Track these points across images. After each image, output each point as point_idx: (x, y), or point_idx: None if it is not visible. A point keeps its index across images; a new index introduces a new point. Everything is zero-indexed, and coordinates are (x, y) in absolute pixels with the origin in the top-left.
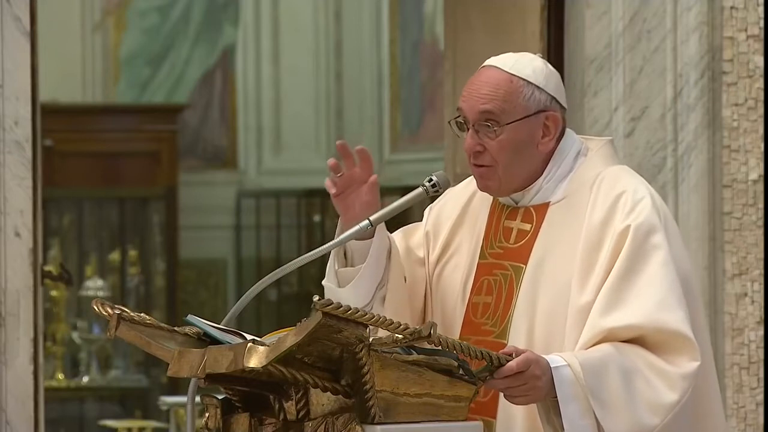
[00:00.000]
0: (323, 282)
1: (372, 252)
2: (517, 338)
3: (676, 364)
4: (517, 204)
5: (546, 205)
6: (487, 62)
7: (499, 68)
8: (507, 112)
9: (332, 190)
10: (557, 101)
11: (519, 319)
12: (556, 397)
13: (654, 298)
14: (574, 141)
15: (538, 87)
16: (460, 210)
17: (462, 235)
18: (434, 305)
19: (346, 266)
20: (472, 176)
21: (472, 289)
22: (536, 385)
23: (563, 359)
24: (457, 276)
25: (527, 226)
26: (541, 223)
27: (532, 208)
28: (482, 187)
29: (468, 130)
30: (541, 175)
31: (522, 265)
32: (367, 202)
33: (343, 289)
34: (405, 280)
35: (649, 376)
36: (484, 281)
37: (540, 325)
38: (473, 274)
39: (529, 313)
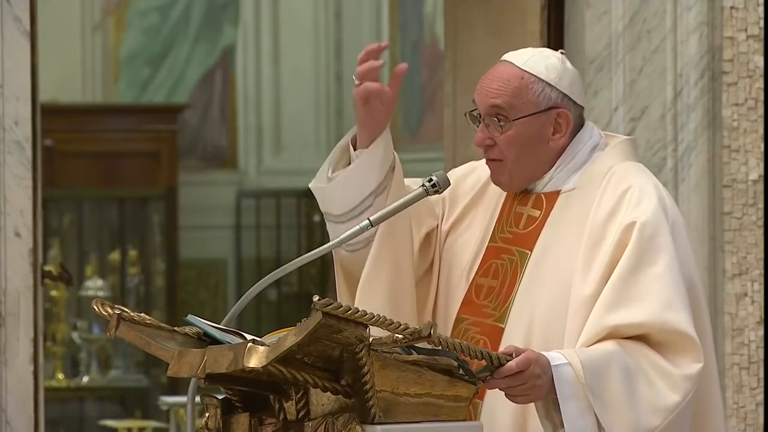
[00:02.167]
0: (310, 184)
1: (371, 149)
2: (516, 324)
3: (679, 365)
4: (530, 191)
5: (557, 193)
6: (504, 56)
7: (513, 63)
8: (516, 108)
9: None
10: (570, 99)
11: (519, 305)
12: (557, 395)
13: (659, 298)
14: (592, 135)
15: (550, 84)
16: (480, 186)
17: (477, 212)
18: (441, 275)
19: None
20: None
21: (478, 270)
22: (536, 384)
23: (564, 357)
24: (466, 253)
25: (536, 213)
26: (550, 211)
27: (543, 195)
28: (494, 181)
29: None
30: (552, 167)
31: (528, 252)
32: (383, 111)
33: (330, 184)
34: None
35: (652, 376)
36: (492, 264)
37: (540, 312)
38: (481, 256)
39: (529, 299)
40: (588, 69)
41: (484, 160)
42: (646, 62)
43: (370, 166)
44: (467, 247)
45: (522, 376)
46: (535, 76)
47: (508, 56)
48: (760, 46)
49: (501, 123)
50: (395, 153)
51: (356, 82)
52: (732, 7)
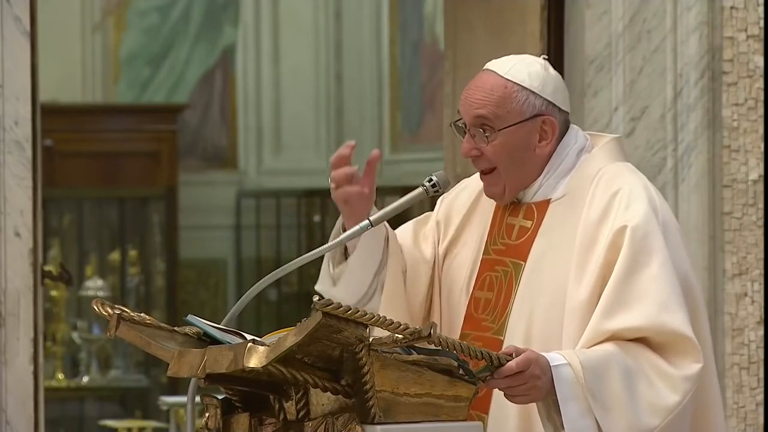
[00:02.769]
0: (316, 287)
1: (363, 241)
2: (513, 335)
3: (678, 366)
4: (519, 201)
5: (547, 202)
6: (487, 66)
7: (495, 73)
8: (501, 117)
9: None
10: (555, 105)
11: (516, 316)
12: (557, 396)
13: (656, 300)
14: (577, 138)
15: (533, 92)
16: (471, 203)
17: (471, 229)
18: (442, 297)
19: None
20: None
21: (475, 284)
22: (536, 384)
23: (564, 358)
24: (463, 270)
25: (528, 223)
26: (542, 221)
27: (533, 205)
28: (488, 193)
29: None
30: (541, 174)
31: (522, 262)
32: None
33: (336, 287)
34: (405, 271)
35: (651, 376)
36: (487, 277)
37: (537, 322)
38: (477, 269)
39: (526, 310)
40: (588, 69)
41: (474, 177)
42: (646, 62)
43: (367, 254)
44: (464, 263)
45: (522, 377)
46: (519, 84)
47: (491, 65)
48: (760, 46)
49: (486, 134)
50: (386, 224)
51: (332, 185)
52: (732, 7)
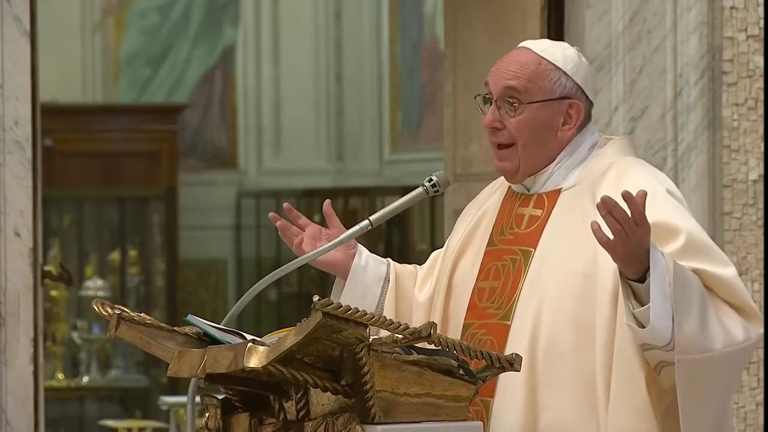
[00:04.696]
0: None
1: (346, 285)
2: (523, 318)
3: (745, 319)
4: (529, 191)
5: (558, 191)
6: (521, 44)
7: (530, 50)
8: (530, 92)
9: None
10: (584, 92)
11: (525, 301)
12: (635, 279)
13: (729, 263)
14: (593, 134)
15: (566, 73)
16: (479, 215)
17: (478, 233)
18: (452, 300)
19: None
20: (492, 183)
21: (478, 275)
22: (637, 232)
23: (660, 249)
24: (467, 269)
25: (538, 212)
26: (552, 209)
27: (544, 195)
28: (500, 168)
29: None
30: (553, 162)
31: (531, 249)
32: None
33: None
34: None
35: (721, 313)
36: (492, 267)
37: (547, 305)
38: (480, 261)
39: (536, 294)
40: None
41: (484, 191)
42: (646, 62)
43: (359, 292)
44: (468, 262)
45: (643, 219)
46: (553, 63)
47: (526, 43)
48: (760, 46)
49: (514, 105)
50: (389, 262)
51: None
52: (732, 7)
